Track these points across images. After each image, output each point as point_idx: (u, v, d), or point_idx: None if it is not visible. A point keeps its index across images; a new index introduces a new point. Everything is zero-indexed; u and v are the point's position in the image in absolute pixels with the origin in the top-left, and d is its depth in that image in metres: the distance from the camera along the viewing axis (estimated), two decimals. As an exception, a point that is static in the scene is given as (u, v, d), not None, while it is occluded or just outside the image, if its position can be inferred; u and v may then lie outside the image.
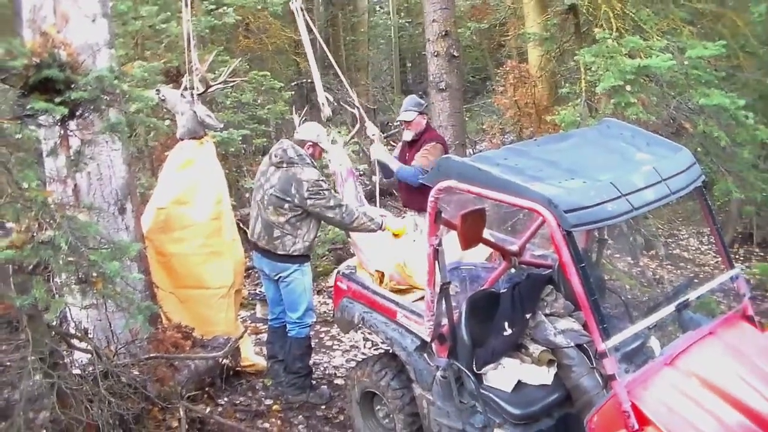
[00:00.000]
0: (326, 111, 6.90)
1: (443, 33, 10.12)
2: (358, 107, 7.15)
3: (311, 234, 5.94)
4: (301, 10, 7.13)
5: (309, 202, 5.71)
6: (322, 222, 6.06)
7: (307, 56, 7.26)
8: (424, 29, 10.85)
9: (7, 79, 3.97)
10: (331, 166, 6.44)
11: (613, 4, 8.03)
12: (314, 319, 6.36)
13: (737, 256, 10.44)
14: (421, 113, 6.85)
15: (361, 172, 12.01)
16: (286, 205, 5.77)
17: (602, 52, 7.17)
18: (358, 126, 7.21)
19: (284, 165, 5.84)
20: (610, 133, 4.59)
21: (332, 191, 5.85)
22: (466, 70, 20.71)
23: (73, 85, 4.14)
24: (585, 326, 4.23)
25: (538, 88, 11.71)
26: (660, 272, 9.43)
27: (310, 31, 7.37)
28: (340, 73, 7.64)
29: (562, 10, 9.71)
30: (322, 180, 5.83)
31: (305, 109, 7.38)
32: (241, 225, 6.81)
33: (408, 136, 6.95)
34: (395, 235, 5.98)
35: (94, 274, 4.10)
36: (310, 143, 6.05)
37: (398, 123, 7.56)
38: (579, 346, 4.27)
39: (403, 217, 7.15)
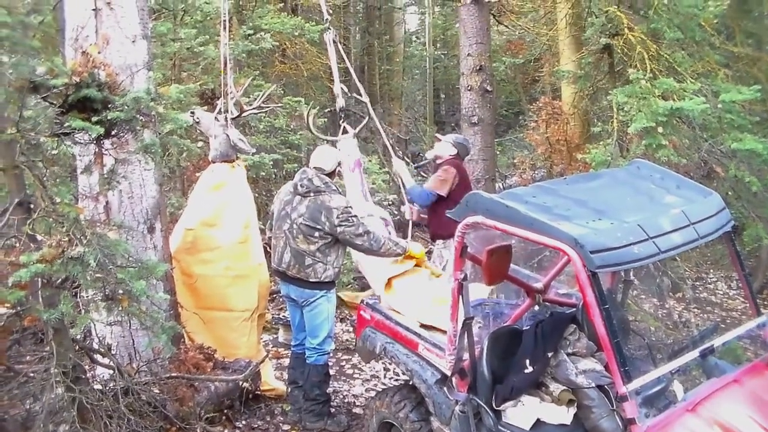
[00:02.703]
0: (340, 102, 7.07)
1: (477, 67, 10.15)
2: (366, 102, 7.23)
3: (340, 260, 5.99)
4: (334, 42, 7.23)
5: (339, 229, 5.74)
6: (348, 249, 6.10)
7: (334, 80, 7.36)
8: (459, 62, 10.89)
9: (48, 97, 4.06)
10: (340, 156, 6.50)
11: (648, 45, 8.03)
12: (333, 347, 6.36)
13: (766, 303, 10.29)
14: (455, 146, 6.99)
15: (391, 202, 12.02)
16: (317, 233, 5.80)
17: (635, 92, 7.18)
18: (366, 120, 7.37)
19: (311, 194, 5.87)
20: (640, 174, 4.58)
21: (359, 218, 5.89)
22: (500, 104, 20.81)
23: (110, 105, 4.23)
24: (607, 367, 4.19)
25: (570, 125, 11.75)
26: (686, 315, 9.31)
27: (342, 61, 7.48)
28: (357, 82, 7.69)
29: (597, 49, 9.72)
30: (350, 207, 5.87)
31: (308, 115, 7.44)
32: (268, 249, 6.84)
33: (429, 154, 7.36)
34: (413, 258, 6.04)
35: (121, 292, 4.16)
36: (333, 170, 6.13)
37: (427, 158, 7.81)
38: (600, 388, 4.21)
39: (430, 250, 7.18)
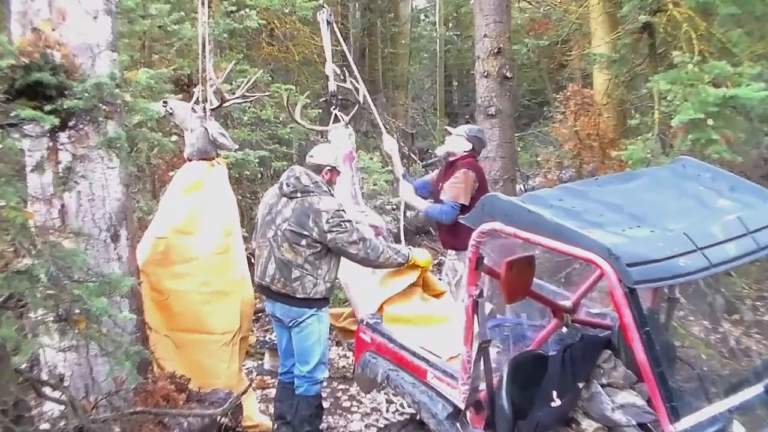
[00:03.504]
0: (331, 85, 7.15)
1: (495, 50, 10.13)
2: (360, 86, 7.23)
3: (332, 273, 5.94)
4: (328, 23, 7.21)
5: (329, 236, 5.70)
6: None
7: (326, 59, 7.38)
8: (474, 45, 10.86)
9: (-11, 82, 4.02)
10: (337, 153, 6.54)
11: (696, 23, 7.96)
12: (326, 375, 6.32)
13: None
14: (469, 140, 6.96)
15: (394, 206, 12.01)
16: (304, 241, 5.76)
17: (681, 78, 7.13)
18: (356, 106, 7.46)
19: (298, 195, 5.84)
20: (687, 174, 4.54)
21: (354, 223, 5.85)
22: (521, 93, 20.77)
23: (66, 92, 4.17)
24: (649, 402, 4.13)
25: (603, 117, 11.71)
26: (745, 342, 9.21)
27: (339, 44, 7.48)
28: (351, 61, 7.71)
29: (636, 29, 9.69)
30: (342, 210, 5.83)
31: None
32: (252, 260, 6.83)
33: (440, 150, 7.37)
34: (418, 266, 6.06)
35: (77, 311, 4.08)
36: (328, 168, 6.07)
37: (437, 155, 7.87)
38: (642, 426, 4.17)
39: (442, 261, 7.17)
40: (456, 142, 7.03)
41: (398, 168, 7.24)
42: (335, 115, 6.95)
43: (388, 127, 7.59)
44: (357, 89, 7.27)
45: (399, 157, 7.33)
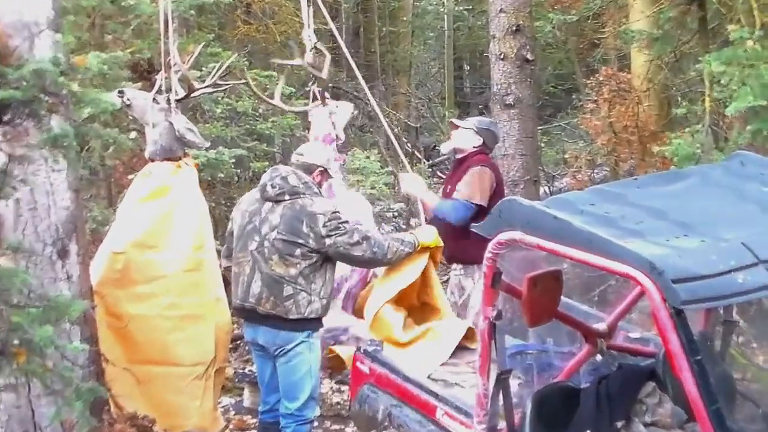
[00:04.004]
0: (308, 57, 7.29)
1: (514, 28, 10.13)
2: (345, 52, 7.32)
3: (327, 288, 5.94)
4: None
5: (328, 241, 5.69)
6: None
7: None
8: (489, 22, 10.84)
9: None
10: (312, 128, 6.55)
11: (758, -9, 7.94)
12: (318, 413, 6.32)
13: None
14: (479, 134, 6.95)
15: (396, 213, 12.00)
16: (298, 251, 5.73)
17: (738, 58, 7.11)
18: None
19: (287, 197, 5.82)
20: (745, 172, 4.51)
21: (351, 223, 5.89)
22: (544, 79, 20.78)
23: (0, 80, 4.15)
24: (702, 445, 4.11)
25: (643, 106, 11.66)
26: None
27: (326, 23, 7.54)
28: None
29: (683, 0, 9.65)
30: (338, 211, 5.85)
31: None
32: (228, 278, 6.81)
33: (446, 147, 7.49)
34: (428, 248, 6.20)
35: (16, 342, 4.06)
36: (320, 170, 6.10)
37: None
38: (693, 474, 4.15)
39: (447, 278, 7.18)
40: (464, 136, 7.03)
41: (433, 200, 7.19)
42: (314, 92, 6.96)
43: (390, 124, 7.57)
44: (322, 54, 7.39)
45: (427, 193, 7.29)
